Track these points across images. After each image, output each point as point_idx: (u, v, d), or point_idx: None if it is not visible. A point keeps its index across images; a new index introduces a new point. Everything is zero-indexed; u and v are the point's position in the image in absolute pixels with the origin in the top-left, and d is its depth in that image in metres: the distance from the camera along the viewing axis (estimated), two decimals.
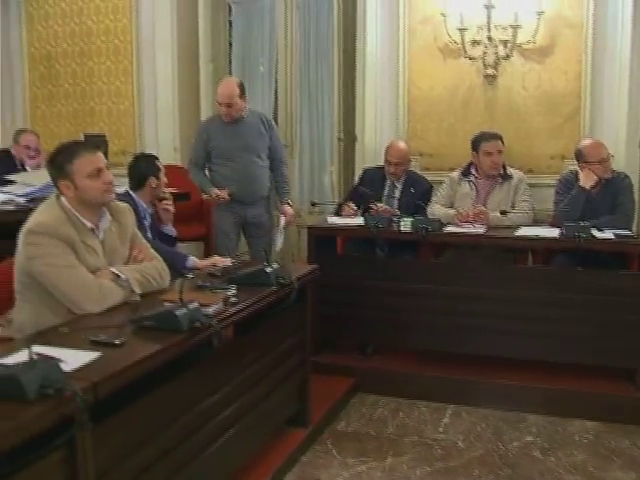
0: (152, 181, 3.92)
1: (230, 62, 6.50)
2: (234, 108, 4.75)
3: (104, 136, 6.01)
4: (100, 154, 2.91)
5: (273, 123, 5.12)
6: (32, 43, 6.90)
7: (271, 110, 6.32)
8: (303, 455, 3.53)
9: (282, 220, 5.05)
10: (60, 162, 2.84)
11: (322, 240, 4.62)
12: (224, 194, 4.79)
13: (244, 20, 6.43)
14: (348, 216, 4.74)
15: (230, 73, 6.44)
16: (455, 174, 4.84)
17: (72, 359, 2.11)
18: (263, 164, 4.94)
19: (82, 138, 5.60)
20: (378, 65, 5.51)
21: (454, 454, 3.60)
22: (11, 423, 1.75)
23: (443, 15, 5.17)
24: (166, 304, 2.61)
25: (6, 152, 5.88)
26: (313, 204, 5.47)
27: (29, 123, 6.81)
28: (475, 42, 5.18)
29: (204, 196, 5.16)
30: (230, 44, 6.49)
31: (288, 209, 5.05)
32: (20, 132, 6.00)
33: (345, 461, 3.50)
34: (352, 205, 4.81)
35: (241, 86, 4.81)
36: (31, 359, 1.90)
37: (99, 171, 2.84)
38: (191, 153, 5.04)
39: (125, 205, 3.16)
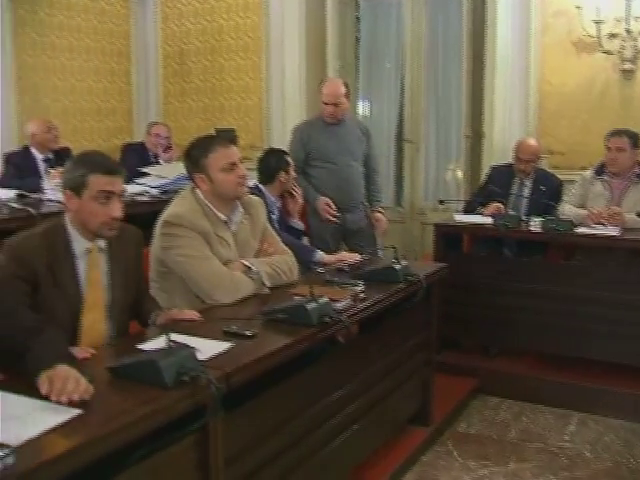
0: (282, 175, 3.97)
1: (357, 58, 6.51)
2: (340, 108, 4.66)
3: (234, 130, 6.17)
4: (234, 148, 2.98)
5: (369, 131, 5.03)
6: (166, 41, 7.15)
7: (397, 107, 6.29)
8: (423, 455, 3.49)
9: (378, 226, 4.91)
10: (195, 156, 2.92)
11: (448, 238, 4.55)
12: (332, 211, 4.61)
13: (372, 16, 6.42)
14: (491, 214, 4.59)
15: (357, 70, 6.45)
16: (588, 173, 4.64)
17: (206, 348, 2.17)
18: (360, 169, 4.86)
19: (213, 132, 5.75)
20: (508, 60, 5.38)
21: (580, 464, 3.47)
22: (151, 407, 1.83)
23: (578, 8, 4.99)
24: (296, 298, 2.64)
25: (141, 145, 6.14)
26: (441, 202, 5.34)
27: (162, 118, 7.04)
28: (612, 35, 4.96)
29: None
30: (357, 40, 6.50)
31: (381, 216, 4.92)
32: (152, 124, 6.32)
33: (466, 464, 3.44)
34: (499, 205, 4.66)
35: (346, 86, 4.74)
36: (169, 346, 1.97)
37: (233, 165, 2.90)
38: (291, 157, 4.62)
39: (257, 199, 3.22)
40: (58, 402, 1.77)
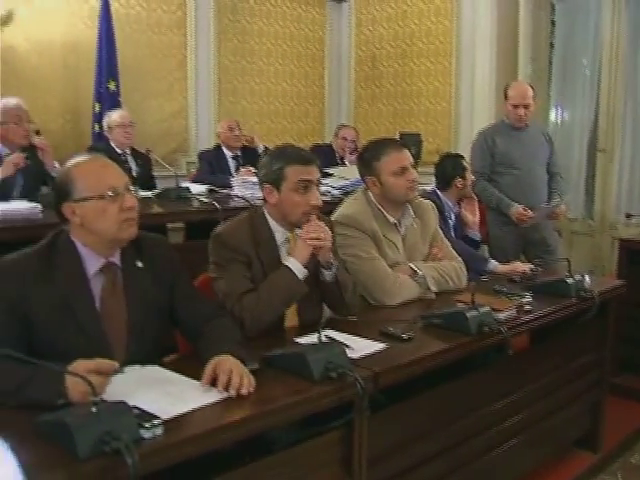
0: (458, 181, 3.92)
1: (550, 63, 6.28)
2: (529, 110, 4.52)
3: (419, 135, 6.17)
4: (406, 152, 2.98)
5: (552, 137, 4.80)
6: (359, 46, 7.32)
7: (592, 114, 6.01)
8: None
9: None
10: (368, 159, 2.97)
11: (634, 254, 4.28)
12: (528, 215, 4.43)
13: (567, 20, 6.16)
14: None
15: (550, 74, 6.23)
16: None
17: (359, 347, 2.21)
18: (545, 176, 4.67)
19: (397, 136, 5.79)
20: None
21: None
22: (297, 397, 1.89)
23: None
24: (458, 305, 2.61)
25: (328, 147, 6.32)
26: (628, 216, 5.05)
27: (352, 121, 7.22)
28: None
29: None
30: (551, 44, 6.27)
31: (562, 209, 4.64)
32: (341, 127, 6.46)
33: None
34: None
35: (533, 90, 4.60)
36: (320, 342, 2.03)
37: (404, 169, 2.91)
38: (474, 162, 4.51)
39: (429, 203, 3.21)
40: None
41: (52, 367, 1.71)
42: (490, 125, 4.99)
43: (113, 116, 5.04)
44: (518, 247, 4.62)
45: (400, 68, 6.97)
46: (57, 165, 4.21)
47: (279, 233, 2.56)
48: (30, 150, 4.24)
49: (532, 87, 4.63)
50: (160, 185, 5.04)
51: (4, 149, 4.19)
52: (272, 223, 2.56)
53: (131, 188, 2.10)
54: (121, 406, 1.59)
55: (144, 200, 4.32)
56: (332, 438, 2.03)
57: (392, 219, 2.97)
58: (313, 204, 2.47)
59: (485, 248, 4.50)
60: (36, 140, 4.23)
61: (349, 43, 7.40)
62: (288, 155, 2.52)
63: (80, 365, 1.71)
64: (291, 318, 2.55)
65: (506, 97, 4.59)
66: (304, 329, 2.42)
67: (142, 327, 2.10)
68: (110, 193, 2.01)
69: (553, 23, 6.25)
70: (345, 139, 6.18)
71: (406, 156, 2.96)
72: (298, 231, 2.52)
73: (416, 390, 2.32)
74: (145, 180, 4.99)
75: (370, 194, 2.98)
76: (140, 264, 2.13)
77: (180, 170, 5.84)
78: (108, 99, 5.55)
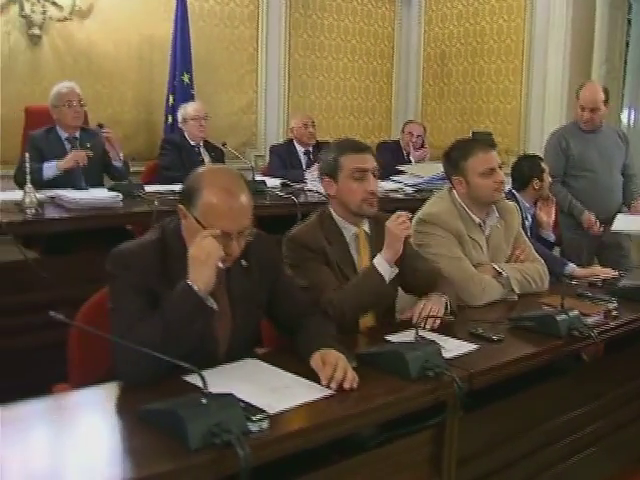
0: (535, 182, 3.89)
1: (625, 63, 6.16)
2: (597, 114, 4.43)
3: (491, 134, 6.12)
4: (494, 153, 2.97)
5: (628, 138, 4.71)
6: (428, 43, 7.28)
7: None
8: None
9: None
10: (455, 158, 2.96)
11: None
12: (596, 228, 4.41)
13: None
14: None
15: (624, 75, 6.11)
16: None
17: (451, 347, 2.21)
18: (620, 179, 4.58)
19: (470, 135, 5.75)
20: None
21: None
22: (394, 396, 1.90)
23: None
24: (545, 308, 2.59)
25: (395, 143, 6.31)
26: None
27: (419, 118, 7.19)
28: None
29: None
30: (627, 44, 6.15)
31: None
32: (406, 123, 6.44)
33: None
34: None
35: (606, 92, 4.49)
36: (416, 341, 2.04)
37: (492, 170, 2.89)
38: (548, 164, 4.28)
39: (513, 204, 3.19)
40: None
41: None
42: (563, 126, 4.94)
43: (188, 109, 5.10)
44: (592, 250, 4.56)
45: (469, 66, 6.90)
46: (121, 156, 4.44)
47: (347, 230, 2.58)
48: (88, 135, 4.50)
49: (606, 90, 4.55)
50: None
51: (62, 131, 4.46)
52: (339, 221, 2.58)
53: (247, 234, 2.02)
54: (229, 399, 1.62)
55: None
56: (423, 437, 2.03)
57: (477, 219, 2.95)
58: (370, 190, 2.50)
59: (557, 250, 4.45)
60: (103, 131, 4.37)
61: (418, 40, 7.37)
62: (342, 145, 2.60)
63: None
64: (368, 319, 2.58)
65: (577, 97, 4.54)
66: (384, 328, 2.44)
67: (244, 323, 2.12)
68: (219, 233, 1.92)
69: (629, 22, 6.12)
70: (411, 134, 6.15)
71: (494, 157, 2.95)
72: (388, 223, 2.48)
73: (487, 394, 2.29)
74: None
75: (455, 193, 2.96)
76: (244, 262, 2.11)
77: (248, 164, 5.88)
78: (182, 92, 5.61)
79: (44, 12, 5.18)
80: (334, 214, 2.60)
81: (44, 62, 5.28)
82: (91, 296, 2.37)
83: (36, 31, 5.19)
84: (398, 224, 2.43)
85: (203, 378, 1.58)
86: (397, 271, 2.46)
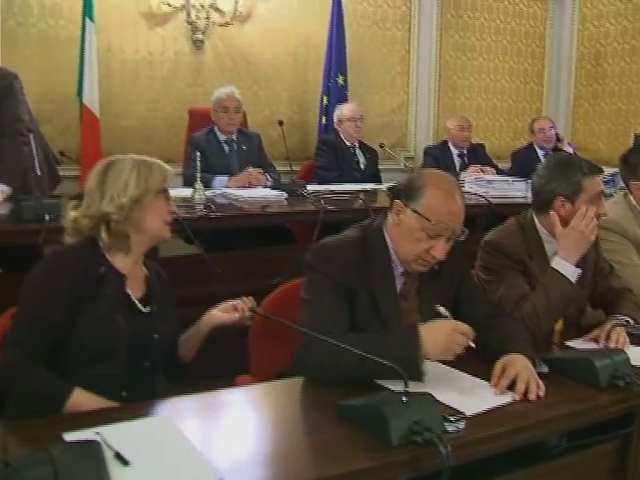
0: None
1: None
2: None
3: None
4: None
5: None
6: (582, 42, 7.04)
7: None
8: None
9: None
10: (634, 163, 2.87)
11: None
12: None
13: None
14: None
15: None
16: None
17: (637, 357, 2.14)
18: None
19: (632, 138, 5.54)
20: None
21: None
22: (583, 405, 1.88)
23: None
24: None
25: (527, 146, 6.03)
26: None
27: (570, 119, 7.00)
28: None
29: None
30: None
31: None
32: (534, 120, 6.13)
33: None
34: None
35: None
36: (605, 348, 2.01)
37: None
38: None
39: None
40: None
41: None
42: None
43: (344, 110, 5.18)
44: None
45: (627, 66, 6.63)
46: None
47: (550, 245, 2.45)
48: (245, 138, 4.72)
49: None
50: (384, 179, 5.12)
51: (220, 134, 4.66)
52: (543, 233, 2.47)
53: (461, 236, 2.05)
54: (428, 398, 1.65)
55: (373, 192, 4.45)
56: (608, 448, 1.98)
57: None
58: (601, 213, 2.38)
59: None
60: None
61: (571, 39, 7.14)
62: (584, 166, 2.39)
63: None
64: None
65: None
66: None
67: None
68: (438, 233, 1.98)
69: None
70: (542, 130, 5.86)
71: None
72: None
73: None
74: (372, 174, 5.11)
75: (632, 198, 2.87)
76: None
77: (398, 165, 5.93)
78: (336, 93, 5.71)
79: (208, 18, 5.41)
80: (537, 223, 2.49)
81: (206, 65, 5.52)
82: (265, 291, 2.46)
83: (199, 36, 5.43)
84: (586, 224, 2.30)
85: (405, 377, 1.62)
86: (580, 272, 2.36)
